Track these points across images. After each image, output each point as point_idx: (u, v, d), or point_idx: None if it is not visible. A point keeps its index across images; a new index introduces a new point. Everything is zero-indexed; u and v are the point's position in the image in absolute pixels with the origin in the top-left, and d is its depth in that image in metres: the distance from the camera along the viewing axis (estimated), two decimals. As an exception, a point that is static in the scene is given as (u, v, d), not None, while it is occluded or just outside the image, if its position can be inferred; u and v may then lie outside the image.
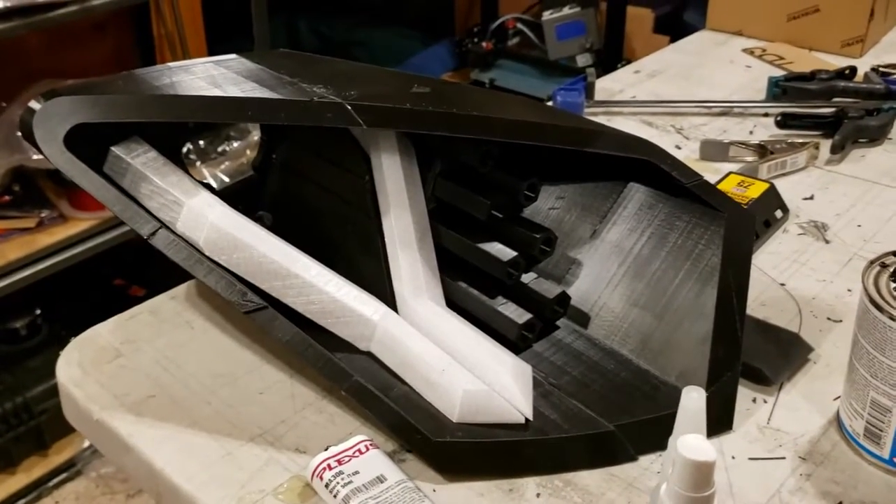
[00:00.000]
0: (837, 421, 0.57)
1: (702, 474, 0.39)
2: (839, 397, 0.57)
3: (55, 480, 1.65)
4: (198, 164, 1.84)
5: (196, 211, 0.60)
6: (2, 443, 1.58)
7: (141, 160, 0.63)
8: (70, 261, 1.60)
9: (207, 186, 0.65)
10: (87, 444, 1.67)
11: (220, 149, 1.87)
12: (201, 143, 1.85)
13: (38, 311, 1.74)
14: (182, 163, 0.68)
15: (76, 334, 0.68)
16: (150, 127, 0.64)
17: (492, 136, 0.59)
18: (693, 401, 0.42)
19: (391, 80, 0.73)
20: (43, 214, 1.61)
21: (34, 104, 0.59)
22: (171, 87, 0.64)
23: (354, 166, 0.66)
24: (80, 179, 0.57)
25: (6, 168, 1.62)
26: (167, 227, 0.59)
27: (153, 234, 0.57)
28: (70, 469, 1.67)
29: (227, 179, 1.80)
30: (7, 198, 1.63)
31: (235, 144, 1.90)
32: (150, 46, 2.03)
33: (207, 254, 0.59)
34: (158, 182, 0.61)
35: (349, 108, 0.57)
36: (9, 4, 1.36)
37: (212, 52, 2.15)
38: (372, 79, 0.72)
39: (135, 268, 1.94)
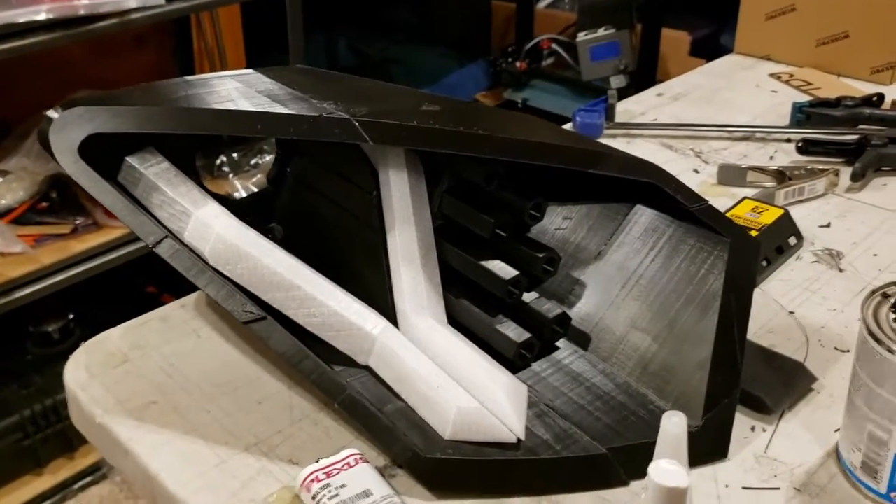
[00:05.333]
0: (836, 453, 0.56)
1: (674, 501, 0.38)
2: (840, 429, 0.56)
3: (80, 483, 1.68)
4: (230, 175, 1.87)
5: (203, 221, 0.61)
6: (30, 444, 1.61)
7: (153, 170, 0.64)
8: (103, 267, 1.64)
9: (220, 198, 0.67)
10: (112, 448, 1.69)
11: (252, 161, 1.90)
12: (235, 155, 1.89)
13: (72, 316, 1.78)
14: (196, 174, 0.69)
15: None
16: (165, 138, 0.66)
17: (496, 155, 0.60)
18: (673, 425, 0.41)
19: (402, 98, 0.73)
20: (78, 221, 1.65)
21: (52, 113, 0.61)
22: (186, 99, 0.66)
23: (363, 181, 0.67)
24: (91, 188, 0.59)
25: (44, 175, 1.66)
26: (175, 237, 0.61)
27: (158, 242, 0.59)
28: (95, 473, 1.70)
29: (257, 191, 1.83)
30: (44, 204, 1.67)
31: (268, 157, 1.93)
32: (189, 59, 2.07)
33: (213, 264, 0.60)
34: (168, 192, 0.63)
35: (356, 124, 0.58)
36: (51, 16, 1.40)
37: (250, 66, 2.20)
38: (383, 96, 0.73)
39: (167, 276, 1.97)
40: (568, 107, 2.30)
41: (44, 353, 1.73)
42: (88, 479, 1.69)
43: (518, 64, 2.41)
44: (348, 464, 0.52)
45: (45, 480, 1.65)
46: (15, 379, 1.67)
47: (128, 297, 1.93)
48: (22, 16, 1.39)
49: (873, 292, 0.53)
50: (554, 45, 2.40)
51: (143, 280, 2.00)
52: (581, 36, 2.20)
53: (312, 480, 0.51)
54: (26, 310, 1.56)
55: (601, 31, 2.19)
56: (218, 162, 1.87)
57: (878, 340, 0.50)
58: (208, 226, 0.61)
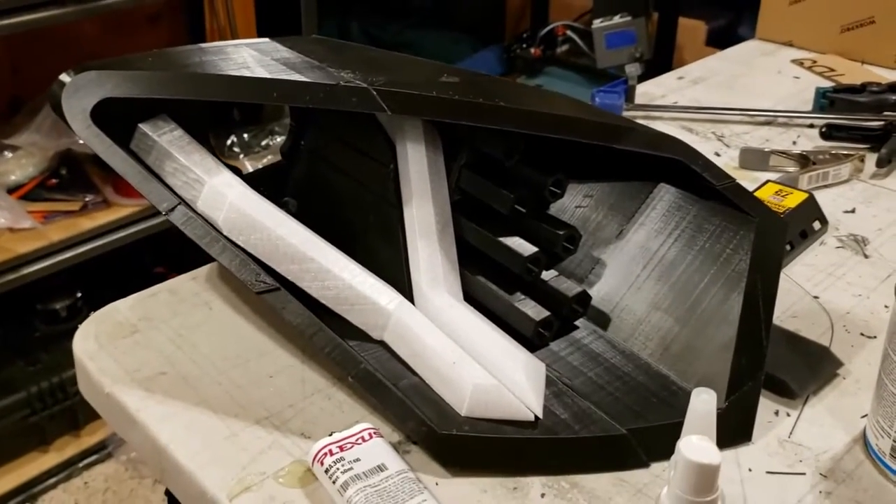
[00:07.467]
0: (863, 439, 0.55)
1: (705, 477, 0.37)
2: (867, 415, 0.55)
3: (86, 461, 1.67)
4: (241, 156, 1.86)
5: (216, 190, 0.60)
6: (36, 420, 1.61)
7: (167, 138, 0.63)
8: (111, 245, 1.62)
9: (233, 169, 0.65)
10: (117, 427, 1.69)
11: (263, 143, 1.88)
12: (246, 136, 1.87)
13: (79, 294, 1.77)
14: (209, 143, 0.68)
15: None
16: (178, 106, 0.65)
17: (517, 128, 0.58)
18: (703, 402, 0.40)
19: (420, 69, 0.72)
20: (87, 199, 1.63)
21: (64, 77, 0.60)
22: (201, 66, 0.64)
23: (379, 154, 0.65)
24: (103, 152, 0.58)
25: (55, 151, 1.65)
26: (188, 206, 0.59)
27: (171, 209, 0.57)
28: (101, 451, 1.69)
29: (270, 164, 1.82)
30: (54, 181, 1.66)
31: (279, 139, 1.91)
32: (202, 39, 2.05)
33: (226, 233, 0.59)
34: (181, 160, 0.61)
35: (375, 93, 0.56)
36: (63, -10, 1.39)
37: (263, 47, 2.18)
38: (401, 66, 0.72)
39: (176, 255, 1.96)
40: (582, 94, 2.27)
41: (51, 331, 1.72)
42: (94, 457, 1.68)
43: (532, 50, 2.39)
44: (362, 438, 0.51)
45: (51, 457, 1.64)
46: (22, 356, 1.66)
47: (136, 276, 1.92)
48: (33, -11, 1.37)
49: (906, 274, 0.52)
50: (569, 32, 2.38)
51: (152, 260, 1.99)
52: (596, 23, 2.15)
53: (325, 454, 0.50)
54: (34, 287, 1.55)
55: (617, 19, 2.15)
56: (228, 143, 1.85)
57: (912, 322, 0.48)
58: (222, 194, 0.60)
